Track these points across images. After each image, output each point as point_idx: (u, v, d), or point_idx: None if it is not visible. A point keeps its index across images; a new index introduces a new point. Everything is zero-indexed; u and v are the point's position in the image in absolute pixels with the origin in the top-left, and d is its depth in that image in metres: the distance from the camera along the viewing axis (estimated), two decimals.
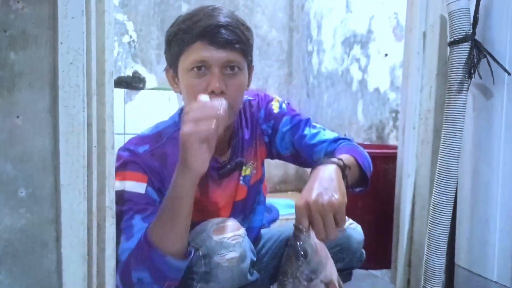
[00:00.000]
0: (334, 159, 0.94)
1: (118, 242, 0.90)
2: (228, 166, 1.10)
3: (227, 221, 0.99)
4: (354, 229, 1.20)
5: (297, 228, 0.79)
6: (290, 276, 0.79)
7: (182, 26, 0.99)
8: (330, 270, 0.79)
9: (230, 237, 0.95)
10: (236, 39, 0.98)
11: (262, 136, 1.17)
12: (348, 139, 1.15)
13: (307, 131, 1.14)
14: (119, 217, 0.92)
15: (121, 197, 0.95)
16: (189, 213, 0.91)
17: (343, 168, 0.93)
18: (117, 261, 0.88)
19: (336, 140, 1.13)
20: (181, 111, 1.11)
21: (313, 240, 0.79)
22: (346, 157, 0.99)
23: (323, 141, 1.12)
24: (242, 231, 0.98)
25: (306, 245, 0.78)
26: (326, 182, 0.85)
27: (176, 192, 0.89)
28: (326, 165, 0.92)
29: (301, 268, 0.78)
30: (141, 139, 1.05)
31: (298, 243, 0.78)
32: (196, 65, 0.98)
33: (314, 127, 1.16)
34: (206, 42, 0.96)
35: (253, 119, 1.17)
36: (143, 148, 1.02)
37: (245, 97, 1.17)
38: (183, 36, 0.99)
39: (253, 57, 1.08)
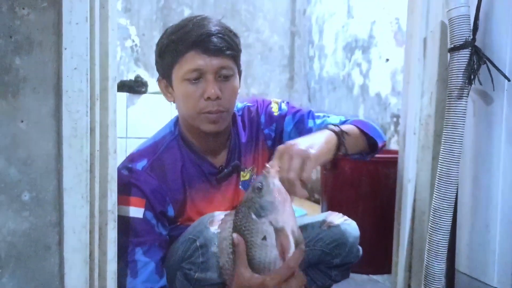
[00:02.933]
0: (331, 126, 0.98)
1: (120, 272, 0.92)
2: (225, 170, 1.11)
3: (223, 214, 1.02)
4: (349, 224, 1.21)
5: (265, 166, 0.82)
6: (243, 205, 0.81)
7: (173, 37, 1.02)
8: (283, 218, 0.79)
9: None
10: (226, 46, 1.01)
11: (264, 141, 1.18)
12: (357, 117, 1.16)
13: (311, 123, 1.15)
14: (120, 244, 0.94)
15: (121, 222, 0.97)
16: None
17: (338, 134, 0.97)
18: None
19: (343, 122, 1.14)
20: (176, 120, 1.13)
21: (274, 181, 0.80)
22: (347, 127, 1.02)
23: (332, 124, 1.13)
24: None
25: (264, 181, 0.79)
26: (311, 139, 0.91)
27: None
28: (321, 130, 0.98)
29: (253, 200, 0.79)
30: (139, 154, 1.08)
31: (258, 178, 0.80)
32: (191, 74, 1.01)
33: (318, 117, 1.17)
34: (199, 50, 1.00)
35: (252, 124, 1.18)
36: (142, 164, 1.05)
37: (244, 103, 1.20)
38: (175, 46, 1.01)
39: (240, 60, 1.10)
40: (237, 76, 1.08)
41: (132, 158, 1.07)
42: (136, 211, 1.01)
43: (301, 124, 1.16)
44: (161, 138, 1.10)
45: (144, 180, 1.03)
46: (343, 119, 1.16)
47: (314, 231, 1.16)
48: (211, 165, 1.11)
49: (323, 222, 1.19)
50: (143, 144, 1.11)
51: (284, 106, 1.20)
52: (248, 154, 1.16)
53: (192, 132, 1.09)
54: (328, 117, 1.18)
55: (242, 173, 1.15)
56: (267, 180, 0.79)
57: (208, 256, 0.97)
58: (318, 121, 1.16)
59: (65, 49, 0.75)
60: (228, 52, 1.01)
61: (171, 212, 1.06)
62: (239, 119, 1.18)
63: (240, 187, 1.15)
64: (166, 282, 1.04)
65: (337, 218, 1.21)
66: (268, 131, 1.18)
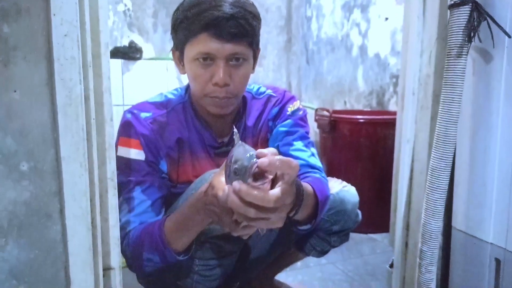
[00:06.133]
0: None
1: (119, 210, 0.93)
2: (225, 148, 1.12)
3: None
4: (347, 191, 1.22)
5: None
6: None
7: (188, 14, 0.98)
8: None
9: None
10: (242, 31, 0.97)
11: (266, 132, 1.17)
12: (322, 173, 1.09)
13: (296, 142, 1.14)
14: (121, 183, 0.97)
15: (121, 162, 0.99)
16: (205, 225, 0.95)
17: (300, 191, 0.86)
18: (120, 228, 0.92)
19: (312, 167, 1.10)
20: (187, 88, 1.14)
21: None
22: (306, 187, 0.92)
23: (301, 160, 1.11)
24: None
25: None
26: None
27: (195, 218, 0.92)
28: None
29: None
30: (146, 105, 1.10)
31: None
32: (201, 56, 0.98)
33: (307, 145, 1.13)
34: (212, 34, 0.96)
35: (264, 113, 1.17)
36: (145, 115, 1.07)
37: (268, 91, 1.18)
38: (189, 25, 0.98)
39: (259, 41, 1.06)
40: (251, 61, 1.05)
41: (139, 107, 1.09)
42: (138, 154, 1.03)
43: (289, 136, 1.14)
44: (170, 99, 1.13)
45: (143, 127, 1.05)
46: (318, 165, 1.11)
47: None
48: (213, 137, 1.12)
49: None
50: (153, 97, 1.13)
51: (300, 113, 1.17)
52: (252, 139, 1.16)
53: (199, 107, 1.11)
54: (312, 155, 1.13)
55: None
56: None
57: None
58: (302, 147, 1.13)
59: (54, 15, 0.73)
60: (243, 38, 0.98)
61: (163, 166, 1.09)
62: (253, 102, 1.16)
63: None
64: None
65: (336, 185, 1.22)
66: (271, 123, 1.17)
